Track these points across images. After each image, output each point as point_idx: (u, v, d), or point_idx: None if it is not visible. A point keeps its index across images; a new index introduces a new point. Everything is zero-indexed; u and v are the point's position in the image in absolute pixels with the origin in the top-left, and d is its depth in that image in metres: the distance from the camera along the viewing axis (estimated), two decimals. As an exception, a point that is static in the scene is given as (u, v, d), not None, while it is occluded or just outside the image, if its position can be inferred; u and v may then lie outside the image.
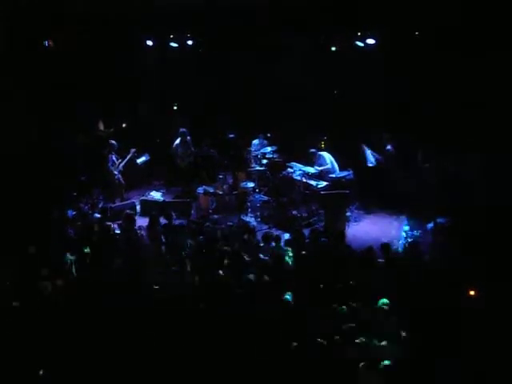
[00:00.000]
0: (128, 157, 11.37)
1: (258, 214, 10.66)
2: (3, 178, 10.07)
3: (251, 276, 6.96)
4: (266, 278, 7.03)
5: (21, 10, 10.32)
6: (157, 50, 12.31)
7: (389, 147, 10.79)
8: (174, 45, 12.16)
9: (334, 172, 10.92)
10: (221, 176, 11.32)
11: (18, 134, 10.86)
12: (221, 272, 7.21)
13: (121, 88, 12.34)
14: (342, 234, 8.26)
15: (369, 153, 10.86)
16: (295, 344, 5.88)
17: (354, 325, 5.97)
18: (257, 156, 11.85)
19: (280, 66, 12.08)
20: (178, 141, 11.88)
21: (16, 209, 9.38)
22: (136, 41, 11.79)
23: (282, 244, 8.22)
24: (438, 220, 8.16)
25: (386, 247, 7.58)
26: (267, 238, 8.20)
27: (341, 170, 10.98)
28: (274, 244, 8.10)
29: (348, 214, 10.31)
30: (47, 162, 11.10)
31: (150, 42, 12.03)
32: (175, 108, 13.46)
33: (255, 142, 12.17)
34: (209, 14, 10.79)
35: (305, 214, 10.44)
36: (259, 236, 8.63)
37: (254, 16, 10.57)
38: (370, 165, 10.86)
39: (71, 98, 11.66)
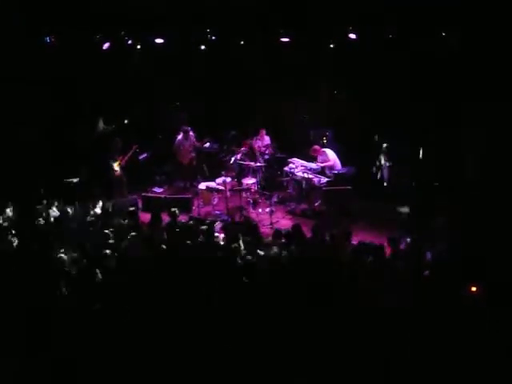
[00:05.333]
0: (130, 153, 11.36)
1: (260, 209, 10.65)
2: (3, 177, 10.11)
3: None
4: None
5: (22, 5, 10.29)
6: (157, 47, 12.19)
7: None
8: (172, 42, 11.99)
9: (336, 168, 10.91)
10: (222, 172, 11.29)
11: (18, 133, 10.87)
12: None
13: (119, 86, 12.29)
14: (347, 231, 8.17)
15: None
16: None
17: None
18: (258, 152, 11.82)
19: (279, 63, 12.04)
20: (180, 136, 11.86)
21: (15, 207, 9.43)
22: (136, 38, 11.70)
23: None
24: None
25: (394, 241, 7.51)
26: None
27: (343, 166, 10.98)
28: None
29: (350, 209, 10.26)
30: (48, 159, 11.12)
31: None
32: (177, 104, 13.40)
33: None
34: (208, 12, 10.72)
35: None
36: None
37: (252, 13, 10.48)
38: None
39: (72, 96, 11.64)
